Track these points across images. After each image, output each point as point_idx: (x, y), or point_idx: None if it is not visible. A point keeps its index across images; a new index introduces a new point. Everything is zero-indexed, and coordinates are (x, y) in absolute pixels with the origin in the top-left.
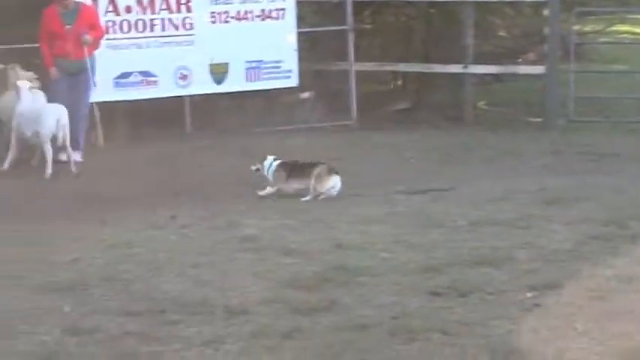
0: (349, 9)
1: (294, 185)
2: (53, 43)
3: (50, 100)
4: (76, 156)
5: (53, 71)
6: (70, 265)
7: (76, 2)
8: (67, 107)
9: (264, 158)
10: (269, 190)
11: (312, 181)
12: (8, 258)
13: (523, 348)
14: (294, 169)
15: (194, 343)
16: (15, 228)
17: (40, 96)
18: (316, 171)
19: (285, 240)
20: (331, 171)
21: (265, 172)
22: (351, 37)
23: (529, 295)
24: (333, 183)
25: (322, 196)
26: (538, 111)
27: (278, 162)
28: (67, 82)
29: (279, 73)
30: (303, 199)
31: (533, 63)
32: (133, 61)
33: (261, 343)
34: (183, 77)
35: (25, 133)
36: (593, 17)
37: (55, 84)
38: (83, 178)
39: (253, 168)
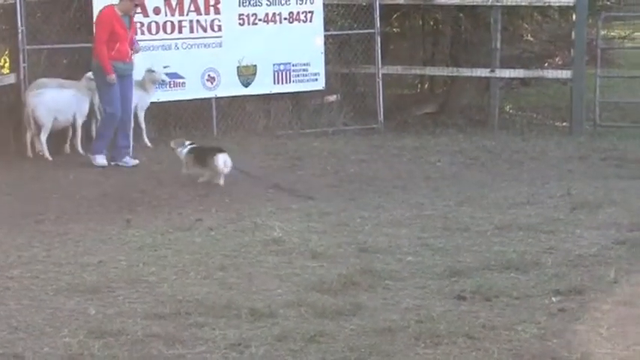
0: (377, 12)
1: (197, 169)
2: (111, 44)
3: (106, 103)
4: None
5: (113, 77)
6: (95, 267)
7: None
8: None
9: (183, 143)
10: (184, 171)
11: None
12: (34, 259)
13: (548, 353)
14: (198, 154)
15: (219, 346)
16: (41, 229)
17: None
18: (213, 155)
19: (310, 243)
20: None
21: (180, 155)
22: (378, 41)
23: (554, 299)
24: (223, 162)
25: (221, 180)
26: (564, 115)
27: (189, 147)
28: (118, 84)
29: (306, 75)
30: (200, 179)
31: (560, 67)
32: (162, 63)
33: (286, 346)
34: (211, 79)
35: None
36: (619, 22)
37: (112, 87)
38: (109, 180)
39: (172, 145)
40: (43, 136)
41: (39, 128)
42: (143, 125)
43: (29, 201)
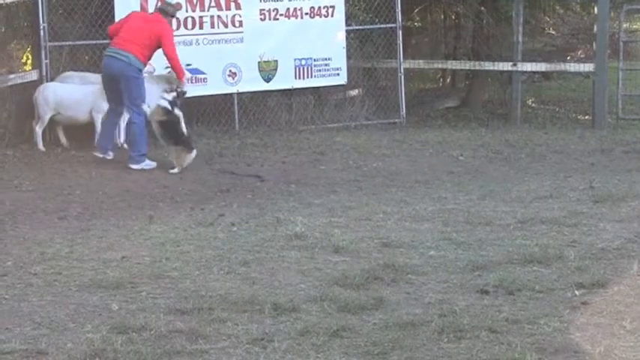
0: (398, 7)
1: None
2: (152, 52)
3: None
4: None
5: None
6: (118, 262)
7: None
8: None
9: None
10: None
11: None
12: (57, 255)
13: (571, 346)
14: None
15: (242, 341)
16: (64, 225)
17: None
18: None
19: (333, 238)
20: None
21: None
22: (400, 35)
23: (577, 293)
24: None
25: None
26: (586, 109)
27: None
28: None
29: (327, 70)
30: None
31: (582, 61)
32: (183, 59)
33: (309, 341)
34: (233, 75)
35: None
36: None
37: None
38: (131, 175)
39: None
40: (39, 128)
41: (38, 118)
42: None
43: (52, 197)
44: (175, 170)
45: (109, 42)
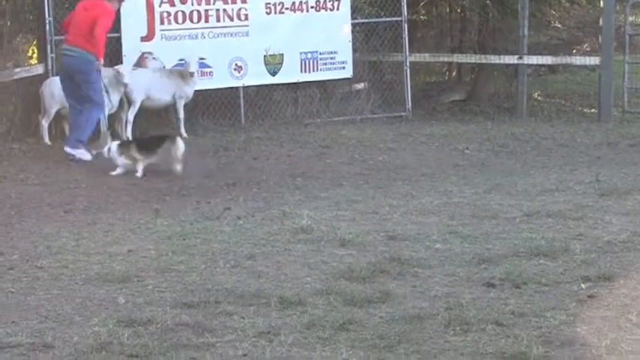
0: (404, 0)
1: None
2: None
3: (97, 93)
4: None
5: (101, 63)
6: (124, 256)
7: None
8: None
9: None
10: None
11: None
12: (63, 249)
13: (578, 339)
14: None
15: (248, 335)
16: (70, 219)
17: None
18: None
19: (339, 231)
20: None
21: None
22: (405, 28)
23: (584, 286)
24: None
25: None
26: (592, 102)
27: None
28: None
29: (333, 64)
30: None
31: (588, 54)
32: (188, 52)
33: (315, 334)
34: (238, 68)
35: None
36: None
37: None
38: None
39: None
40: (45, 121)
41: (44, 112)
42: (181, 115)
43: (58, 191)
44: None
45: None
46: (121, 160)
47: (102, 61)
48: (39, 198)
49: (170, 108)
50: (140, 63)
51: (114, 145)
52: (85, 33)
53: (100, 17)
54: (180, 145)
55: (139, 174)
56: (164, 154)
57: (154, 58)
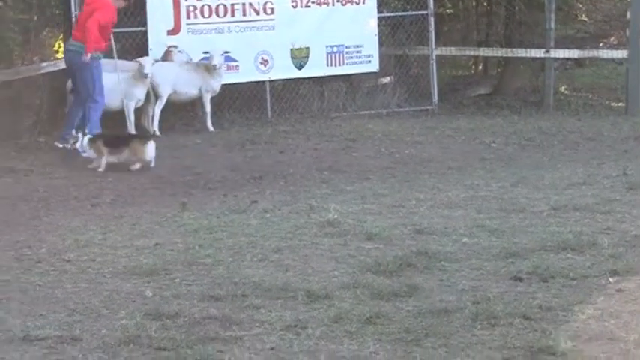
0: None
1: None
2: (104, 36)
3: (97, 89)
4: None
5: (89, 58)
6: (151, 249)
7: None
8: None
9: None
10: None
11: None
12: (90, 242)
13: (605, 333)
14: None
15: (275, 328)
16: (97, 212)
17: None
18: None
19: (366, 225)
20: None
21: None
22: (431, 22)
23: (611, 280)
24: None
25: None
26: (619, 96)
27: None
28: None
29: (359, 57)
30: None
31: (615, 47)
32: (214, 46)
33: (342, 327)
34: (264, 62)
35: None
36: None
37: (99, 73)
38: (164, 162)
39: None
40: None
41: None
42: (207, 109)
43: (84, 184)
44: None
45: None
46: (91, 153)
47: (88, 56)
48: (66, 191)
49: (196, 101)
50: (166, 57)
51: (86, 139)
52: (83, 27)
53: (97, 11)
54: (150, 149)
55: (101, 169)
56: (131, 154)
57: (179, 52)
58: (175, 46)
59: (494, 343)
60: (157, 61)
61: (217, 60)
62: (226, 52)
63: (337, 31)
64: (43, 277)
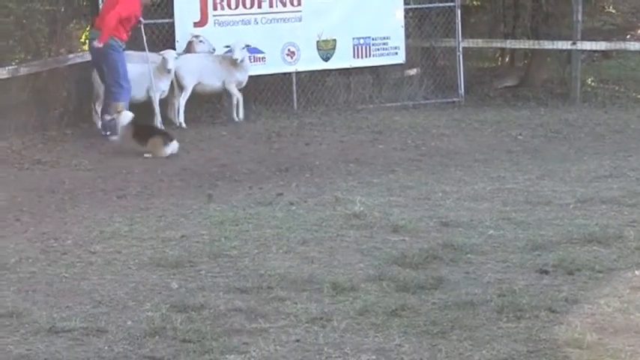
0: None
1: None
2: (127, 27)
3: (122, 77)
4: None
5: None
6: (177, 241)
7: None
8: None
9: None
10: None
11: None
12: (116, 234)
13: (631, 327)
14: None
15: (301, 320)
16: (123, 204)
17: None
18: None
19: (392, 217)
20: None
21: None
22: (458, 14)
23: (637, 273)
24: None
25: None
26: None
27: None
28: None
29: (386, 49)
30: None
31: None
32: (241, 38)
33: (367, 320)
34: (291, 54)
35: None
36: None
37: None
38: (189, 154)
39: None
40: (98, 107)
41: (97, 97)
42: (234, 100)
43: (111, 176)
44: None
45: None
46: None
47: (101, 43)
48: (92, 183)
49: (222, 93)
50: (189, 47)
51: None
52: (104, 17)
53: (119, 4)
54: (168, 149)
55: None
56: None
57: (200, 41)
58: (197, 36)
59: (520, 336)
60: (179, 54)
61: (238, 54)
62: (247, 46)
63: (364, 23)
64: (69, 268)
